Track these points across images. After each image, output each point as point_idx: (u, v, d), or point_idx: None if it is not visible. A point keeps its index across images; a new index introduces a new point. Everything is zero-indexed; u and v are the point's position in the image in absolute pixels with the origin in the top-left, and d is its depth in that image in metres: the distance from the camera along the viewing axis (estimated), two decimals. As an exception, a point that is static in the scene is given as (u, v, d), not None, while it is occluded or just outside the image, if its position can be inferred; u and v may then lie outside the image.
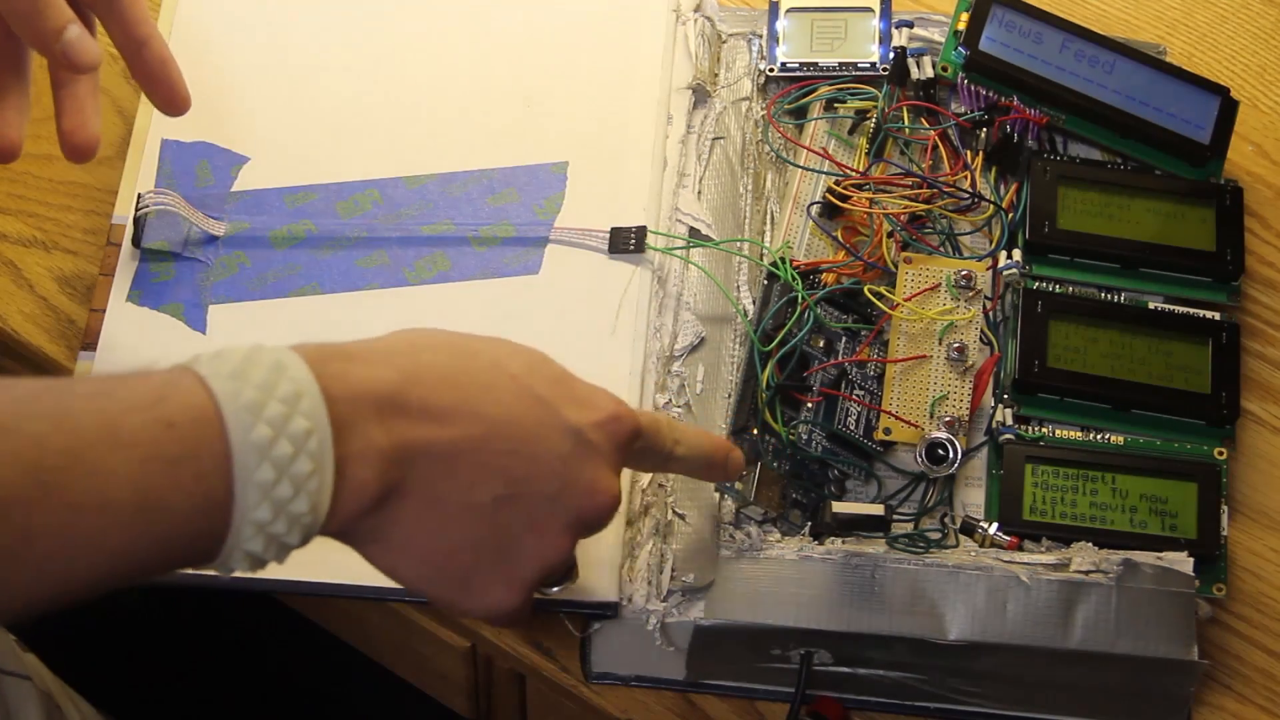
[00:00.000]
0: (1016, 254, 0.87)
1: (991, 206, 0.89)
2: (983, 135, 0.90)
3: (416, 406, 0.63)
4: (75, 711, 0.94)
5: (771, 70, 0.93)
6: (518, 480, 0.66)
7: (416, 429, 0.63)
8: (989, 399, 0.84)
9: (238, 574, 0.61)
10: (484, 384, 0.66)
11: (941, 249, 0.88)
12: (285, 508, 0.59)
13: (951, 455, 0.82)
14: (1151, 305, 0.87)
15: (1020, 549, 0.80)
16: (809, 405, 0.83)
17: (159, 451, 0.57)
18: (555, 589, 0.74)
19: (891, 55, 0.92)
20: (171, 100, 0.83)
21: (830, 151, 0.90)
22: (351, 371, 0.62)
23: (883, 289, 0.85)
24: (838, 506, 0.80)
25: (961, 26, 0.92)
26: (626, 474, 0.81)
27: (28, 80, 0.82)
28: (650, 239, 0.87)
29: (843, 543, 0.80)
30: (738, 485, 0.80)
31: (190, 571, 0.79)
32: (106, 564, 0.57)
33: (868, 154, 0.90)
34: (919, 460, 0.82)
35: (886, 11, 0.93)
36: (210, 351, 0.60)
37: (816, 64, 0.92)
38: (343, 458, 0.61)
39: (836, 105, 0.92)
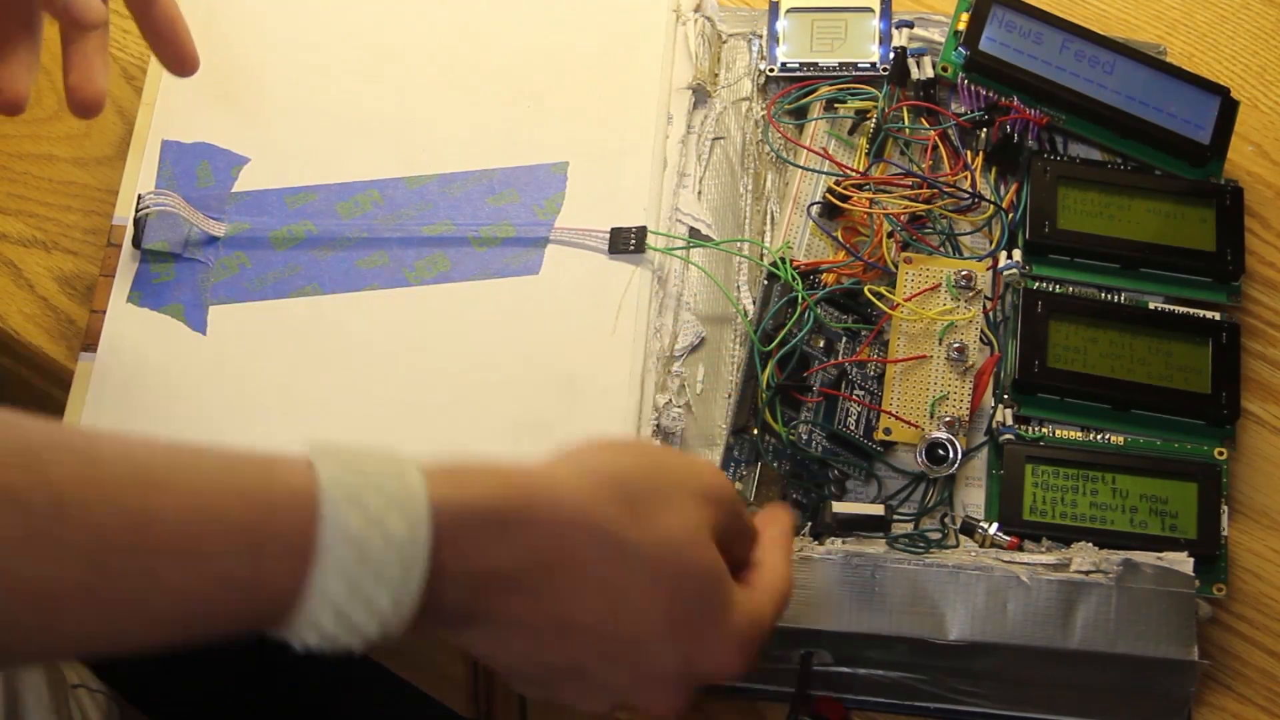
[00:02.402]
0: (1016, 254, 0.87)
1: (991, 206, 0.89)
2: (983, 135, 0.90)
3: (528, 581, 0.60)
4: (75, 674, 0.95)
5: (771, 70, 0.93)
6: (583, 670, 0.63)
7: (514, 583, 0.60)
8: (989, 399, 0.84)
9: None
10: (616, 587, 0.62)
11: (941, 249, 0.88)
12: (354, 629, 0.57)
13: (951, 455, 0.82)
14: (1151, 305, 0.87)
15: (1020, 549, 0.80)
16: (809, 405, 0.83)
17: (230, 578, 0.54)
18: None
19: (891, 55, 0.92)
20: (180, 59, 0.82)
21: (830, 151, 0.90)
22: (478, 552, 0.59)
23: (883, 289, 0.85)
24: (838, 506, 0.80)
25: (961, 26, 0.92)
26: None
27: (38, 38, 0.81)
28: (650, 239, 0.87)
29: (843, 543, 0.80)
30: (737, 484, 0.80)
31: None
32: (131, 648, 0.54)
33: (868, 154, 0.90)
34: (919, 460, 0.82)
35: (886, 11, 0.93)
36: (342, 468, 0.57)
37: (816, 64, 0.92)
38: (434, 588, 0.58)
39: (836, 105, 0.92)
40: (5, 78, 0.79)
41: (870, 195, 0.88)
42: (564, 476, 0.62)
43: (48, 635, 0.52)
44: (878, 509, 0.80)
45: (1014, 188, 0.89)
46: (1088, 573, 0.78)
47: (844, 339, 0.85)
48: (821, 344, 0.85)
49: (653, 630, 0.63)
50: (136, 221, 0.88)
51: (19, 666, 0.52)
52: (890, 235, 0.87)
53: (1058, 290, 0.87)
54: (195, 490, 0.54)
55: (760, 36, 0.94)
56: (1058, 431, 0.84)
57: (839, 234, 0.88)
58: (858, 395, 0.84)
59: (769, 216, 0.90)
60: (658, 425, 0.83)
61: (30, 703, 0.87)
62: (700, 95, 0.93)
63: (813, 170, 0.89)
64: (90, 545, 0.51)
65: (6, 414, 0.54)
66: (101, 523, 0.51)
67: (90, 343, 0.85)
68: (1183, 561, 0.78)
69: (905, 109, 0.91)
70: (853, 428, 0.83)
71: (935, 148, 0.90)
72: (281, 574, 0.55)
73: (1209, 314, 0.87)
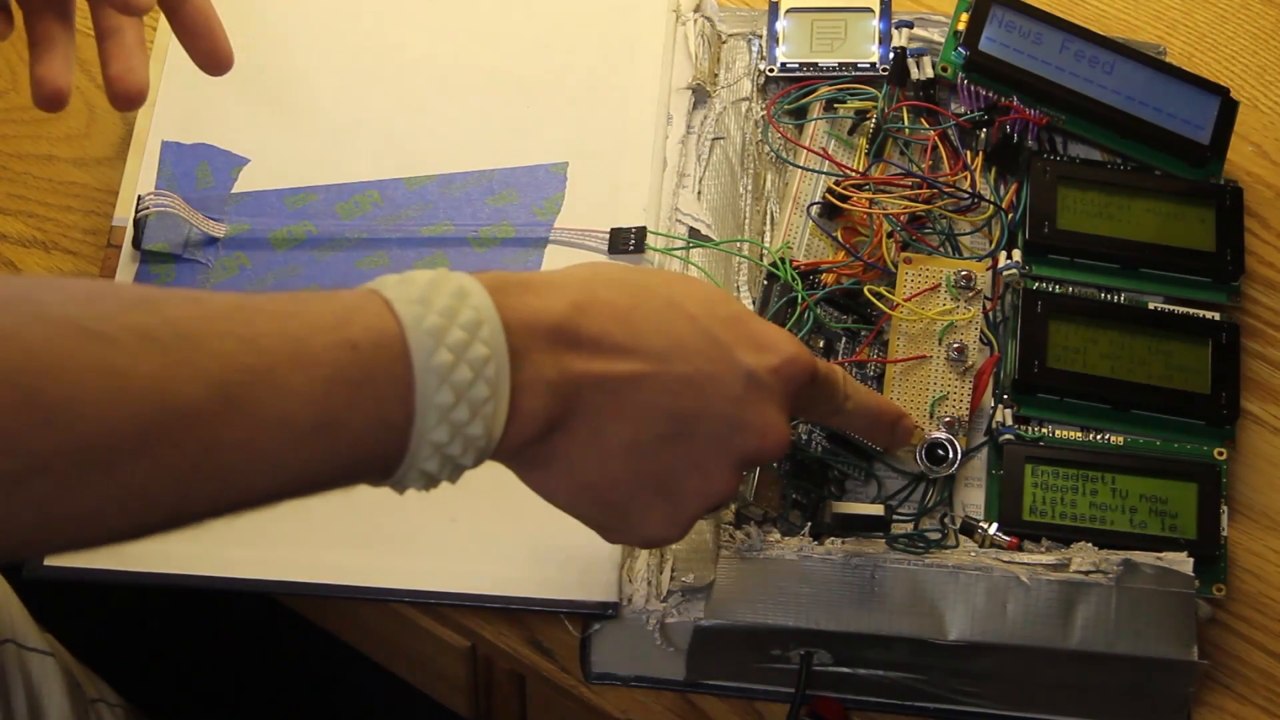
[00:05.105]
0: (1016, 254, 0.87)
1: (991, 207, 0.89)
2: (983, 135, 0.91)
3: (588, 340, 0.64)
4: (94, 688, 0.95)
5: (771, 70, 0.93)
6: (685, 420, 0.66)
7: (586, 363, 0.63)
8: (989, 399, 0.84)
9: (412, 489, 0.62)
10: (658, 322, 0.66)
11: (941, 249, 0.88)
12: (462, 430, 0.60)
13: (951, 455, 0.82)
14: (1151, 305, 0.87)
15: (1020, 549, 0.80)
16: (809, 405, 0.83)
17: (341, 373, 0.57)
18: (715, 512, 0.74)
19: (891, 55, 0.92)
20: (213, 56, 0.82)
21: (830, 151, 0.90)
22: (528, 302, 0.63)
23: (883, 289, 0.85)
24: (838, 506, 0.80)
25: (961, 27, 0.92)
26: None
27: (73, 32, 0.81)
28: (650, 239, 0.88)
29: (843, 543, 0.80)
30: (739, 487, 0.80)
31: (191, 572, 0.80)
32: (284, 478, 0.58)
33: (868, 154, 0.91)
34: (919, 460, 0.82)
35: (886, 11, 0.93)
36: (395, 276, 0.61)
37: (816, 64, 0.93)
38: (516, 385, 0.61)
39: (836, 105, 0.92)
40: (49, 73, 0.79)
41: (870, 195, 0.88)
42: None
43: (213, 461, 0.55)
44: (877, 509, 0.80)
45: (1014, 188, 0.89)
46: (1087, 573, 0.78)
47: (844, 339, 0.85)
48: (821, 344, 0.85)
49: (708, 338, 0.66)
50: (136, 222, 0.88)
51: (205, 510, 0.57)
52: (890, 235, 0.87)
53: (1057, 290, 0.87)
54: (289, 315, 0.58)
55: (760, 36, 0.94)
56: (1057, 431, 0.84)
57: (839, 234, 0.88)
58: (858, 395, 0.84)
59: (769, 216, 0.90)
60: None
61: (53, 716, 0.88)
62: (700, 95, 0.93)
63: (812, 170, 0.89)
64: (218, 368, 0.55)
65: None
66: (222, 348, 0.56)
67: (90, 343, 0.85)
68: (1182, 562, 0.78)
69: (905, 109, 0.91)
70: (853, 428, 0.83)
71: (935, 148, 0.90)
72: (383, 374, 0.58)
73: (1209, 314, 0.87)
